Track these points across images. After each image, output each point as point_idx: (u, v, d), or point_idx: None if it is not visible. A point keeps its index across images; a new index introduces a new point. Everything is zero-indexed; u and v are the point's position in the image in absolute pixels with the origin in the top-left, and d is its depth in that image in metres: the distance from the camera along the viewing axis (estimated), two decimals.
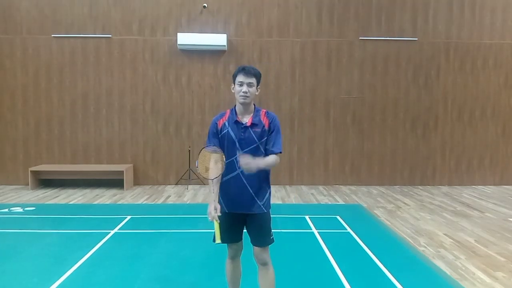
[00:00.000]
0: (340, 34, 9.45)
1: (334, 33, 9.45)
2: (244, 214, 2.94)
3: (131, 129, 9.40)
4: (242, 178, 2.87)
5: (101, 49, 9.27)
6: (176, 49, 9.29)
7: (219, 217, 2.77)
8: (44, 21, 9.18)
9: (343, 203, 7.78)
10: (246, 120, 2.90)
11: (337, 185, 9.58)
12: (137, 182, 9.46)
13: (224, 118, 2.96)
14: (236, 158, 2.85)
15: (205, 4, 9.24)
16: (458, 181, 9.72)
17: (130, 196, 8.27)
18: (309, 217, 6.40)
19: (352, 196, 8.37)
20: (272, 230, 2.99)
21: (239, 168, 2.82)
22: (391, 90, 9.56)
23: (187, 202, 7.73)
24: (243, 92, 2.82)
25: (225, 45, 9.12)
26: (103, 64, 9.28)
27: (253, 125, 2.88)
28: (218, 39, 9.08)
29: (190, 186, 9.19)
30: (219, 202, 2.93)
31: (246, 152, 2.83)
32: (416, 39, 9.50)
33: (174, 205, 7.54)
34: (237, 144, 2.87)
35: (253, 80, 2.85)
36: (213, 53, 9.34)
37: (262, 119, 2.91)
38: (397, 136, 9.63)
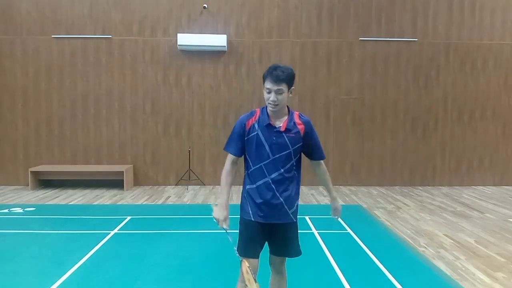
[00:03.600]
0: (340, 35, 9.46)
1: (334, 34, 9.45)
2: (270, 225, 2.69)
3: (131, 130, 9.40)
4: (272, 184, 2.63)
5: (101, 49, 9.27)
6: (176, 49, 9.29)
7: (242, 227, 2.72)
8: (44, 21, 9.19)
9: (343, 203, 7.77)
10: (280, 124, 2.65)
11: (337, 186, 9.57)
12: (137, 182, 9.46)
13: (253, 119, 2.68)
14: (265, 164, 2.62)
15: (205, 5, 9.24)
16: (458, 181, 9.71)
17: (130, 196, 8.27)
18: (309, 218, 6.40)
19: (352, 197, 8.37)
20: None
21: (269, 175, 2.62)
22: (391, 90, 9.57)
23: (187, 203, 7.73)
24: (271, 100, 2.57)
25: (225, 46, 9.13)
26: (103, 65, 9.29)
27: (287, 130, 2.63)
28: (218, 40, 9.09)
29: (190, 187, 9.19)
30: (245, 209, 2.73)
31: (276, 158, 2.61)
32: (416, 39, 9.50)
33: (174, 205, 7.54)
34: (267, 148, 2.61)
35: (282, 87, 2.56)
36: (213, 54, 9.35)
37: (297, 124, 2.68)
38: (397, 137, 9.63)
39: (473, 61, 9.61)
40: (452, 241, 5.37)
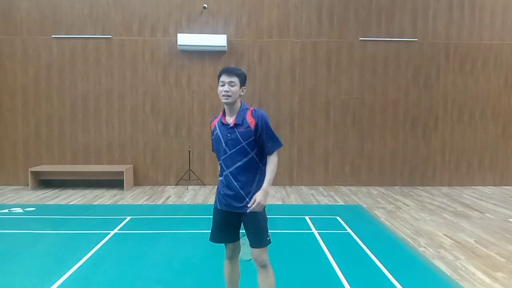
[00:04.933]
0: (340, 35, 9.46)
1: (334, 34, 9.45)
2: (238, 213, 2.90)
3: (131, 130, 9.40)
4: (231, 177, 2.86)
5: (101, 49, 9.27)
6: (176, 49, 9.29)
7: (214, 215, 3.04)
8: (44, 22, 9.19)
9: (343, 203, 7.78)
10: (231, 120, 2.89)
11: (337, 186, 9.58)
12: (137, 182, 9.46)
13: (216, 120, 3.02)
14: (223, 159, 2.89)
15: (205, 5, 9.25)
16: (458, 181, 9.72)
17: (130, 196, 8.27)
18: (309, 218, 6.40)
19: (352, 197, 8.37)
20: (270, 231, 2.92)
21: (227, 168, 2.87)
22: (391, 90, 9.57)
23: (187, 203, 7.73)
24: (224, 91, 2.83)
25: (225, 46, 9.13)
26: (103, 65, 9.29)
27: (236, 125, 2.84)
28: (218, 40, 9.09)
29: (190, 187, 9.19)
30: (215, 198, 3.07)
31: (232, 153, 2.84)
32: (416, 39, 9.51)
33: (174, 205, 7.54)
34: (223, 144, 2.87)
35: (234, 79, 2.83)
36: (213, 54, 9.35)
37: (246, 118, 2.85)
38: (397, 137, 9.63)
39: (473, 61, 9.61)
40: (452, 241, 5.37)
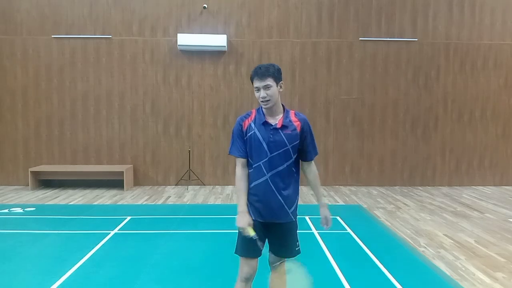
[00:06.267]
0: (340, 35, 9.46)
1: (334, 34, 9.45)
2: (270, 224, 2.70)
3: (131, 130, 9.40)
4: (271, 183, 2.64)
5: (101, 49, 9.27)
6: (176, 49, 9.29)
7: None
8: (44, 22, 9.19)
9: (343, 203, 7.78)
10: (276, 121, 2.66)
11: (337, 186, 9.58)
12: (137, 182, 9.46)
13: (250, 119, 2.72)
14: (263, 162, 2.63)
15: (205, 5, 9.25)
16: (458, 181, 9.72)
17: (130, 196, 8.27)
18: (309, 218, 6.40)
19: (352, 197, 8.37)
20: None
21: (267, 173, 2.63)
22: (391, 90, 9.57)
23: (187, 203, 7.73)
24: (261, 97, 2.60)
25: (225, 46, 9.13)
26: (103, 65, 9.29)
27: (284, 127, 2.64)
28: (218, 40, 9.09)
29: (190, 187, 9.18)
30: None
31: (274, 156, 2.62)
32: (416, 39, 9.51)
33: (174, 205, 7.53)
34: (265, 146, 2.63)
35: (269, 82, 2.58)
36: (213, 54, 9.35)
37: (293, 121, 2.68)
38: (397, 137, 9.63)
39: (473, 61, 9.61)
40: (452, 241, 5.37)
